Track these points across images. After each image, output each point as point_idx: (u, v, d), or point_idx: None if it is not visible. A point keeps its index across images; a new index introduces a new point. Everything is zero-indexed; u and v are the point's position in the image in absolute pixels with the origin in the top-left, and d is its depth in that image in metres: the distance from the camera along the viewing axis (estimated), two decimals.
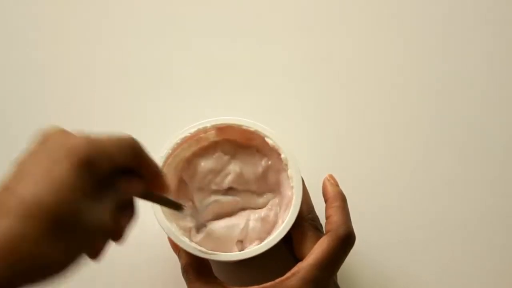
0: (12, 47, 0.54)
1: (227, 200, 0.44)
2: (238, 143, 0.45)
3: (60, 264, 0.27)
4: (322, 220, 0.42)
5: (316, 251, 0.39)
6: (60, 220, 0.26)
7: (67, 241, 0.27)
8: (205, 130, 0.43)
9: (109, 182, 0.30)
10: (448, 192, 0.51)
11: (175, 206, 0.39)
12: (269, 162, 0.45)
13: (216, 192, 0.44)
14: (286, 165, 0.42)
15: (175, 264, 0.42)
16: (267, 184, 0.45)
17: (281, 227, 0.40)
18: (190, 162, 0.45)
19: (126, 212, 0.32)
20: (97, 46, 0.55)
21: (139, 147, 0.31)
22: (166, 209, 0.41)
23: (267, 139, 0.43)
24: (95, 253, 0.30)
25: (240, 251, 0.42)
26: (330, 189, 0.42)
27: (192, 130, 0.43)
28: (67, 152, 0.27)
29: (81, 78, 0.53)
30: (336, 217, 0.40)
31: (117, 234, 0.32)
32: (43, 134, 0.29)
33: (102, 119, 0.52)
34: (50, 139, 0.28)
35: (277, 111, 0.52)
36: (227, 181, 0.44)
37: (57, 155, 0.27)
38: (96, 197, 0.28)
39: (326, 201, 0.42)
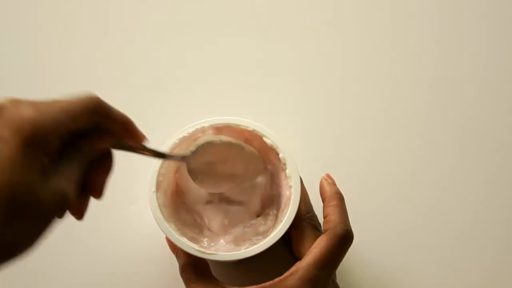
0: (14, 44, 0.55)
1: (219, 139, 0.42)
2: None
3: (20, 245, 0.27)
4: (321, 219, 0.42)
5: (314, 250, 0.39)
6: (15, 202, 0.25)
7: (26, 223, 0.26)
8: (203, 130, 0.43)
9: (72, 146, 0.29)
10: (447, 191, 0.51)
11: (156, 153, 0.37)
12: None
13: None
14: (285, 164, 0.42)
15: (173, 264, 0.42)
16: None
17: (280, 226, 0.40)
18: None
19: (103, 166, 0.32)
20: (96, 47, 0.55)
21: (98, 105, 0.30)
22: (165, 209, 0.41)
23: (265, 139, 0.43)
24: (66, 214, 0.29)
25: (238, 251, 0.42)
26: (327, 188, 0.42)
27: (190, 130, 0.43)
28: (13, 130, 0.26)
29: (80, 78, 0.54)
30: (333, 216, 0.40)
31: (96, 192, 0.31)
32: None
33: None
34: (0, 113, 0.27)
35: (275, 111, 0.53)
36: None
37: (4, 133, 0.26)
38: (57, 168, 0.28)
39: (323, 200, 0.42)
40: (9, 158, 0.26)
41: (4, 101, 0.28)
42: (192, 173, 0.40)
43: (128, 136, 0.33)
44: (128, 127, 0.33)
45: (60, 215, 0.29)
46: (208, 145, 0.41)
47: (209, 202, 0.45)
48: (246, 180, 0.43)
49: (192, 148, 0.40)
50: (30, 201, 0.26)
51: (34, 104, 0.28)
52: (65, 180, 0.29)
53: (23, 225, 0.26)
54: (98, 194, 0.32)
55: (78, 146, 0.30)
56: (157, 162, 0.42)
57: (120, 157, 0.48)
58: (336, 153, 0.52)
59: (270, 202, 0.45)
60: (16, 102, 0.28)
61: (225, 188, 0.43)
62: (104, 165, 0.32)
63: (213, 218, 0.44)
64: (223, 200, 0.45)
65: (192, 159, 0.40)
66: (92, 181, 0.31)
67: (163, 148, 0.42)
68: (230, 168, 0.42)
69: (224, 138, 0.42)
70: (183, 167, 0.44)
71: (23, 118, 0.27)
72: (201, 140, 0.41)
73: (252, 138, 0.44)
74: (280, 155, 0.42)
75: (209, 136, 0.42)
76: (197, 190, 0.44)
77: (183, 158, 0.40)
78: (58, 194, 0.28)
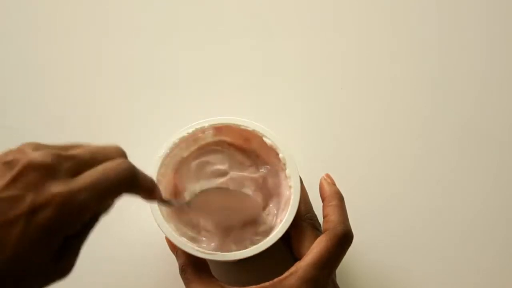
0: (12, 46, 0.55)
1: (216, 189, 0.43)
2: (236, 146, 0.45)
3: None
4: (321, 219, 0.42)
5: (314, 250, 0.39)
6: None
7: None
8: (203, 130, 0.43)
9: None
10: (447, 191, 0.51)
11: (161, 201, 0.36)
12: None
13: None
14: (285, 164, 0.42)
15: (173, 263, 0.42)
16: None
17: (279, 226, 0.40)
18: (187, 162, 0.45)
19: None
20: (96, 47, 0.55)
21: (131, 181, 0.29)
22: (164, 209, 0.41)
23: (265, 139, 0.43)
24: None
25: (238, 251, 0.42)
26: (327, 188, 0.42)
27: (190, 130, 0.43)
28: (32, 208, 0.25)
29: (80, 78, 0.54)
30: (333, 216, 0.40)
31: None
32: (11, 162, 0.26)
33: (102, 119, 0.52)
34: (19, 178, 0.26)
35: (275, 111, 0.53)
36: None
37: (21, 209, 0.25)
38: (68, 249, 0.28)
39: (323, 200, 0.42)
40: (17, 242, 0.25)
41: (24, 160, 0.26)
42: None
43: (148, 196, 0.32)
44: (151, 190, 0.32)
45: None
46: (204, 193, 0.41)
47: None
48: (240, 219, 0.44)
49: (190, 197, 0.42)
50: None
51: (65, 179, 0.27)
52: (75, 254, 0.29)
53: None
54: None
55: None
56: (157, 162, 0.42)
57: None
58: (336, 153, 0.52)
59: (269, 201, 0.45)
60: (38, 166, 0.26)
61: (219, 218, 0.44)
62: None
63: (210, 218, 0.44)
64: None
65: (189, 205, 0.41)
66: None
67: (163, 148, 0.42)
68: (226, 211, 0.43)
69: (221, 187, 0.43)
70: (182, 168, 0.44)
71: (51, 195, 0.26)
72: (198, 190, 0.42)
73: (252, 138, 0.44)
74: (280, 155, 0.42)
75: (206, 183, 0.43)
76: (192, 191, 0.44)
77: (181, 206, 0.41)
78: (70, 270, 0.28)
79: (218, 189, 0.42)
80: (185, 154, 0.44)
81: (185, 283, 0.40)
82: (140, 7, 0.57)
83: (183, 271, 0.40)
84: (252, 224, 0.44)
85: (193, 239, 0.42)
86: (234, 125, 0.43)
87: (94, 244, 0.47)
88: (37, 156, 0.27)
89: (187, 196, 0.44)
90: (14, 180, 0.26)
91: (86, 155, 0.29)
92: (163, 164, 0.42)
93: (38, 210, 0.26)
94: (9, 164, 0.27)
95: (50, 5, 0.56)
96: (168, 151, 0.42)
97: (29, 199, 0.26)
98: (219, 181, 0.44)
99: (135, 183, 0.30)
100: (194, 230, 0.44)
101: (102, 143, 0.31)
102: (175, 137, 0.42)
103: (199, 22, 0.56)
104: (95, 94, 0.53)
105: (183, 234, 0.41)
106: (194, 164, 0.45)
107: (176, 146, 0.43)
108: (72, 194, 0.26)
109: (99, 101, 0.53)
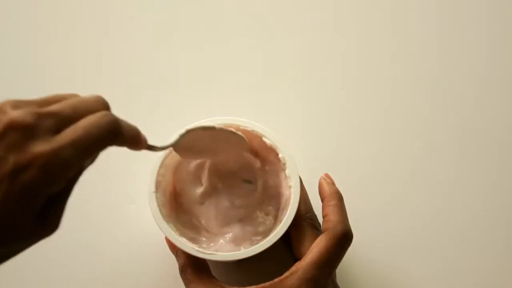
0: (13, 46, 0.55)
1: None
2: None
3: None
4: (320, 219, 0.42)
5: (314, 250, 0.39)
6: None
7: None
8: None
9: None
10: (447, 191, 0.51)
11: (147, 147, 0.35)
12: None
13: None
14: (284, 164, 0.42)
15: (173, 263, 0.42)
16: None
17: (279, 226, 0.40)
18: (187, 162, 0.45)
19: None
20: (96, 47, 0.55)
21: (115, 134, 0.29)
22: (164, 209, 0.41)
23: (264, 139, 0.43)
24: None
25: (238, 251, 0.42)
26: (326, 188, 0.42)
27: None
28: (13, 180, 0.25)
29: (80, 78, 0.54)
30: (333, 216, 0.40)
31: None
32: None
33: None
34: (0, 140, 0.26)
35: (275, 111, 0.53)
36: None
37: (5, 169, 0.25)
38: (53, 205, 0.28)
39: (322, 200, 0.42)
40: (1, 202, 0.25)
41: (19, 122, 0.26)
42: (177, 151, 0.40)
43: (133, 146, 0.32)
44: (136, 140, 0.32)
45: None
46: (189, 133, 0.39)
47: (203, 202, 0.44)
48: (227, 153, 0.43)
49: (175, 136, 0.39)
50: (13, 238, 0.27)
51: (47, 137, 0.26)
52: (62, 213, 0.29)
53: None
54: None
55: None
56: (156, 162, 0.42)
57: (120, 157, 0.48)
58: (336, 153, 0.52)
59: (268, 201, 0.45)
60: (31, 130, 0.26)
61: (207, 156, 0.43)
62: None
63: (209, 218, 0.44)
64: (218, 199, 0.45)
65: (175, 146, 0.39)
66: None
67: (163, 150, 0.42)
68: (212, 146, 0.41)
69: (204, 124, 0.40)
70: (181, 168, 0.44)
71: (33, 155, 0.26)
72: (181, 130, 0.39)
73: (252, 138, 0.44)
74: (280, 155, 0.42)
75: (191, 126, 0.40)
76: (191, 191, 0.44)
77: (165, 148, 0.38)
78: (54, 229, 0.28)
79: (204, 128, 0.40)
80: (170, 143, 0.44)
81: (185, 283, 0.40)
82: (140, 7, 0.57)
83: (183, 271, 0.40)
84: (252, 224, 0.44)
85: (193, 239, 0.42)
86: (234, 125, 0.43)
87: (94, 244, 0.48)
88: (17, 116, 0.26)
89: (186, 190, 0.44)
90: None
91: (66, 110, 0.28)
92: (162, 165, 0.42)
93: (21, 170, 0.26)
94: None
95: (50, 5, 0.56)
96: (168, 152, 0.42)
97: (12, 160, 0.26)
98: None
99: (119, 135, 0.29)
100: (194, 230, 0.44)
101: (84, 95, 0.30)
102: (175, 138, 0.42)
103: (199, 22, 0.56)
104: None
105: (183, 234, 0.41)
106: (193, 165, 0.45)
107: None
108: (54, 152, 0.26)
109: None
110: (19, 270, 0.47)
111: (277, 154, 0.43)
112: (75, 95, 0.30)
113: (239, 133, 0.41)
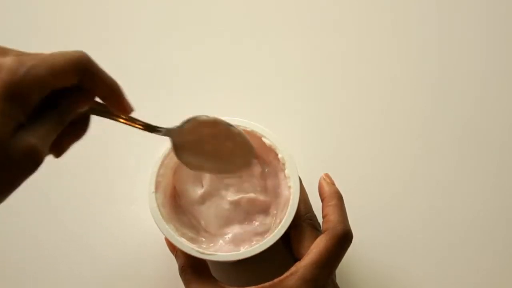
0: (13, 44, 0.54)
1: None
2: None
3: None
4: (320, 219, 0.42)
5: (314, 250, 0.39)
6: None
7: None
8: None
9: (52, 104, 0.29)
10: (447, 191, 0.51)
11: (141, 124, 0.35)
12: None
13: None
14: (284, 164, 0.42)
15: (173, 264, 0.42)
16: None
17: (279, 226, 0.40)
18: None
19: (75, 130, 0.31)
20: (96, 47, 0.55)
21: (86, 63, 0.29)
22: (164, 209, 0.41)
23: (264, 139, 0.43)
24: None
25: (238, 251, 0.42)
26: (326, 188, 0.42)
27: None
28: None
29: None
30: (332, 216, 0.40)
31: (56, 152, 0.31)
32: None
33: (101, 119, 0.52)
34: None
35: (275, 111, 0.53)
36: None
37: None
38: (32, 125, 0.28)
39: (322, 200, 0.42)
40: None
41: None
42: (178, 149, 0.38)
43: (114, 103, 0.32)
44: (115, 93, 0.31)
45: (33, 169, 0.28)
46: (194, 121, 0.38)
47: (203, 203, 0.44)
48: (232, 163, 0.41)
49: (178, 123, 0.38)
50: None
51: (18, 54, 0.28)
52: (39, 138, 0.28)
53: None
54: (58, 154, 0.31)
55: (58, 105, 0.29)
56: (156, 162, 0.42)
57: (120, 157, 0.48)
58: (336, 153, 0.52)
59: (267, 202, 0.45)
60: (2, 50, 0.28)
61: (209, 169, 0.41)
62: (77, 129, 0.32)
63: (208, 219, 0.44)
64: (218, 200, 0.45)
65: (178, 134, 0.37)
66: (57, 140, 0.30)
67: (162, 149, 0.42)
68: (216, 146, 0.40)
69: (211, 116, 0.39)
70: (181, 169, 0.44)
71: (4, 72, 0.26)
72: (187, 117, 0.38)
73: (251, 138, 0.44)
74: (279, 156, 0.42)
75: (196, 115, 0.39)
76: (191, 192, 0.44)
77: (168, 131, 0.37)
78: (29, 150, 0.27)
79: (206, 117, 0.38)
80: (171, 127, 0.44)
81: (185, 284, 0.40)
82: (139, 7, 0.57)
83: (182, 271, 0.40)
84: (252, 224, 0.44)
85: (192, 240, 0.42)
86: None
87: (94, 244, 0.48)
88: None
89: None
90: None
91: (43, 53, 0.29)
92: (162, 165, 0.42)
93: None
94: None
95: (50, 5, 0.56)
96: (167, 151, 0.42)
97: None
98: None
99: (90, 67, 0.30)
100: (194, 230, 0.44)
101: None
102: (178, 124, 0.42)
103: (199, 22, 0.56)
104: None
105: (182, 235, 0.41)
106: None
107: None
108: (22, 62, 0.27)
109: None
110: (19, 270, 0.47)
111: (276, 155, 0.43)
112: None
113: (246, 136, 0.40)
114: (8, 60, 0.27)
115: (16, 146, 0.27)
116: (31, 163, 0.28)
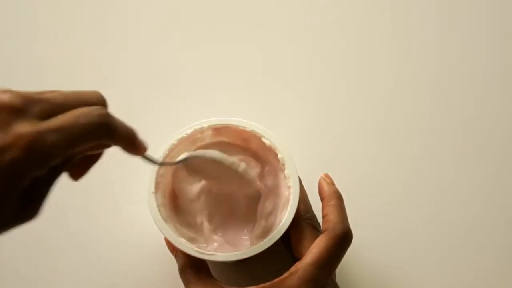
0: (13, 46, 0.55)
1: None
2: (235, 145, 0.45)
3: None
4: (320, 219, 0.42)
5: (314, 250, 0.39)
6: None
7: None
8: (201, 130, 0.43)
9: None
10: (447, 191, 0.51)
11: (152, 161, 0.36)
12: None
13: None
14: (283, 165, 0.42)
15: (173, 264, 0.42)
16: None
17: (279, 226, 0.40)
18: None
19: (92, 157, 0.31)
20: (95, 47, 0.55)
21: (106, 127, 0.29)
22: (163, 209, 0.41)
23: (263, 139, 0.43)
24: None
25: (237, 251, 0.42)
26: (326, 188, 0.42)
27: (189, 131, 0.43)
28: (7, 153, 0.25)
29: (80, 78, 0.54)
30: (332, 216, 0.40)
31: (75, 177, 0.31)
32: None
33: None
34: None
35: (274, 111, 0.53)
36: None
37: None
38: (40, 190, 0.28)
39: (322, 200, 0.42)
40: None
41: (6, 103, 0.26)
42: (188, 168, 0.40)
43: (129, 148, 0.32)
44: (131, 140, 0.31)
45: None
46: (199, 158, 0.39)
47: (203, 203, 0.44)
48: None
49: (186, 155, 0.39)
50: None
51: (34, 120, 0.26)
52: (42, 197, 0.28)
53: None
54: (77, 178, 0.31)
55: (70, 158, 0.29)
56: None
57: (120, 157, 0.48)
58: (336, 153, 0.52)
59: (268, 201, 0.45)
60: (18, 112, 0.26)
61: (210, 180, 0.43)
62: (93, 156, 0.32)
63: (208, 219, 0.44)
64: (218, 200, 0.45)
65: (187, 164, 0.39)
66: (76, 166, 0.30)
67: (162, 149, 0.42)
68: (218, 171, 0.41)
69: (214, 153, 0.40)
70: (179, 170, 0.44)
71: (17, 135, 0.25)
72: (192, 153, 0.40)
73: (251, 138, 0.44)
74: (279, 156, 0.42)
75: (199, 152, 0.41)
76: (189, 192, 0.44)
77: (179, 162, 0.39)
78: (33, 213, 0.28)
79: (207, 159, 0.39)
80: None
81: (185, 284, 0.40)
82: (139, 7, 0.57)
83: (182, 271, 0.40)
84: (252, 224, 0.44)
85: (192, 240, 0.42)
86: (233, 126, 0.43)
87: (94, 245, 0.48)
88: (6, 98, 0.26)
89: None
90: None
91: (58, 98, 0.28)
92: (162, 165, 0.42)
93: (3, 150, 0.25)
94: None
95: (50, 5, 0.56)
96: (167, 152, 0.42)
97: None
98: None
99: (110, 131, 0.29)
100: (193, 230, 0.44)
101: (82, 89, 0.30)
102: (174, 138, 0.42)
103: (198, 22, 0.56)
104: None
105: (182, 235, 0.41)
106: None
107: (175, 147, 0.43)
108: (39, 135, 0.26)
109: None
110: (19, 270, 0.47)
111: (276, 155, 0.43)
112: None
113: (248, 174, 0.42)
114: (25, 129, 0.26)
115: (24, 212, 0.27)
116: (30, 220, 0.28)
